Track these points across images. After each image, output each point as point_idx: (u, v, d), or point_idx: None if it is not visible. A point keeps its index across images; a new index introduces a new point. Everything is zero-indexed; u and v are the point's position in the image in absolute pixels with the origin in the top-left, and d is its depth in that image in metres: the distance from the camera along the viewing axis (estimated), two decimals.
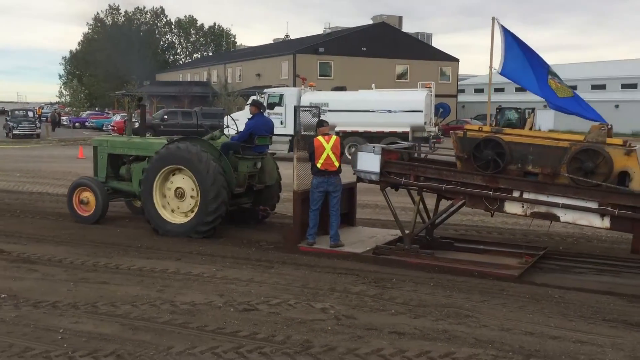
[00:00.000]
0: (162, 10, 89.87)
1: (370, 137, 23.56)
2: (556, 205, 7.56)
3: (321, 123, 9.39)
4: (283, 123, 23.88)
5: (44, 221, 11.01)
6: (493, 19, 9.28)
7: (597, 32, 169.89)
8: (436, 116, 24.80)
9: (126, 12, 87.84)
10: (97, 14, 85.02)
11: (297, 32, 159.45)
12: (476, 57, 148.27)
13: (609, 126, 7.80)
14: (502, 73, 8.80)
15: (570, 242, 9.90)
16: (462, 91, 66.63)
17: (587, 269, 8.21)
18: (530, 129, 24.37)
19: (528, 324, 5.96)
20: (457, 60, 57.72)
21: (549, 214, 7.67)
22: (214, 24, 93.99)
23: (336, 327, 5.78)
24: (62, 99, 77.17)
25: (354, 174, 9.02)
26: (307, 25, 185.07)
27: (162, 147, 10.10)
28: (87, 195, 10.90)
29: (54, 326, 5.68)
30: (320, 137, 8.93)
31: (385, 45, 51.24)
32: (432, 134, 23.95)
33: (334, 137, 9.06)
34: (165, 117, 34.56)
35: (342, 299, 6.62)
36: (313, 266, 8.06)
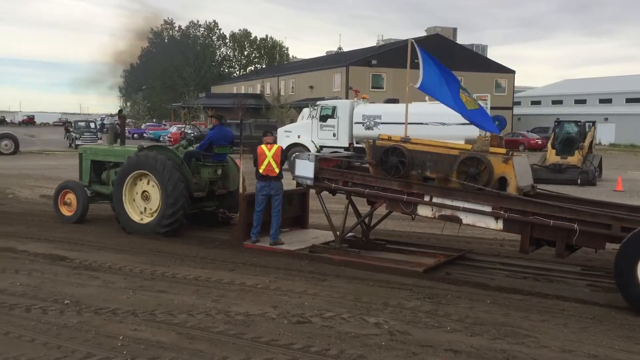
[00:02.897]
0: (216, 24, 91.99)
1: None
2: (458, 208, 8.19)
3: (265, 133, 10.17)
4: (335, 135, 23.93)
5: (104, 229, 11.36)
6: (410, 41, 10.21)
7: None
8: None
9: (179, 27, 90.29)
10: (153, 29, 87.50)
11: (350, 45, 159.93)
12: (533, 68, 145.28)
13: (501, 137, 8.57)
14: (420, 88, 9.44)
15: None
16: (518, 103, 65.31)
17: None
18: (591, 143, 23.58)
19: (591, 346, 5.75)
20: (512, 72, 56.67)
21: (453, 216, 8.31)
22: (266, 36, 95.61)
23: (390, 342, 5.71)
24: (124, 112, 79.80)
25: (293, 179, 9.86)
26: (360, 38, 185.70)
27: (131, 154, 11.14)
28: (70, 197, 12.03)
29: (114, 333, 5.83)
30: (263, 146, 9.77)
31: (439, 57, 50.39)
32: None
33: (276, 146, 9.87)
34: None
35: (395, 314, 6.55)
36: (366, 280, 8.01)
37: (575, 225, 7.36)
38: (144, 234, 10.62)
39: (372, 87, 48.16)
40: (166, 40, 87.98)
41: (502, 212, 7.86)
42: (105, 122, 65.46)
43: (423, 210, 8.56)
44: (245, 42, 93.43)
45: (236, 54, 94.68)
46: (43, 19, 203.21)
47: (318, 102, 26.13)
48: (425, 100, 25.66)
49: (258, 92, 66.79)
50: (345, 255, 9.08)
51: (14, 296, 6.99)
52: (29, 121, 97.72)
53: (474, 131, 22.78)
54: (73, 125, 44.28)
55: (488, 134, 9.69)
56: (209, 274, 8.15)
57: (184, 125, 43.48)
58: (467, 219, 8.19)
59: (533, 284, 8.06)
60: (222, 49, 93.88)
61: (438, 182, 8.44)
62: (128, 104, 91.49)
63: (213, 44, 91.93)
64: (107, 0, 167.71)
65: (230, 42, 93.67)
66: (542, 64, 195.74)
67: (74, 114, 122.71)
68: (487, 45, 70.53)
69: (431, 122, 23.31)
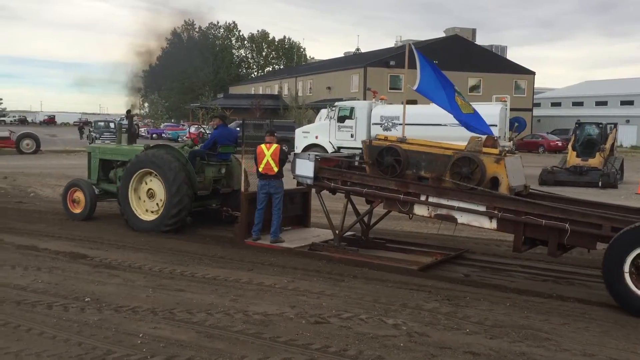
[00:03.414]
0: (235, 25, 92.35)
1: None
2: (453, 208, 8.33)
3: (267, 133, 10.46)
4: (353, 136, 23.90)
5: (124, 228, 11.44)
6: (408, 44, 10.53)
7: None
8: (511, 130, 24.13)
9: (200, 27, 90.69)
10: (174, 29, 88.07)
11: (368, 46, 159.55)
12: (553, 69, 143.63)
13: (495, 138, 8.82)
14: (417, 90, 9.68)
15: None
16: (538, 105, 64.67)
17: None
18: (613, 145, 23.25)
19: (612, 350, 5.67)
20: (532, 73, 56.12)
21: (449, 216, 8.46)
22: (284, 37, 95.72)
23: (409, 344, 5.69)
24: (142, 112, 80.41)
25: (294, 178, 10.05)
26: (379, 39, 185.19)
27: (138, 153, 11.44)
28: (79, 195, 12.33)
29: (134, 330, 5.88)
30: (263, 145, 10.02)
31: (458, 58, 50.50)
32: (507, 148, 23.25)
33: (275, 145, 10.02)
34: (238, 129, 35.39)
35: (414, 316, 6.52)
36: (384, 281, 7.99)
37: (567, 225, 7.46)
38: (148, 231, 10.87)
39: (390, 88, 47.96)
40: (185, 41, 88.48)
41: (495, 212, 8.00)
42: (123, 122, 66.01)
43: (419, 210, 8.72)
44: (263, 43, 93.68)
45: (254, 54, 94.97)
46: (65, 20, 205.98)
47: (336, 103, 26.12)
48: None
49: (276, 92, 66.94)
50: (343, 253, 9.26)
51: (35, 293, 7.08)
52: (50, 121, 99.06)
53: (493, 133, 22.69)
54: (93, 125, 44.78)
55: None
56: (227, 273, 8.19)
57: (200, 126, 43.65)
58: (462, 218, 8.33)
59: (553, 287, 7.99)
60: (240, 50, 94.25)
61: (432, 181, 8.60)
62: (146, 104, 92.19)
63: (232, 44, 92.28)
64: (128, 2, 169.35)
65: (248, 43, 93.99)
66: (562, 65, 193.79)
67: (93, 114, 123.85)
68: (506, 46, 70.13)
69: (450, 123, 23.07)
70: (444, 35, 59.44)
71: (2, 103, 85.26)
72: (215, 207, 12.14)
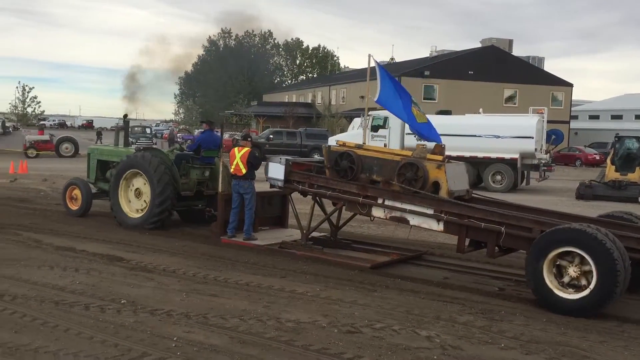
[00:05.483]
0: (271, 33, 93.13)
1: (477, 163, 22.93)
2: (405, 210, 8.81)
3: (243, 137, 11.40)
4: (387, 146, 23.82)
5: (159, 233, 11.57)
6: (369, 55, 11.01)
7: None
8: (548, 143, 23.76)
9: (236, 36, 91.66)
10: (210, 37, 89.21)
11: (402, 55, 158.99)
12: (592, 82, 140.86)
13: (443, 146, 9.17)
14: (377, 101, 10.13)
15: None
16: (576, 117, 63.52)
17: None
18: None
19: None
20: (570, 85, 55.18)
21: (402, 218, 8.96)
22: (319, 45, 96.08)
23: (442, 356, 5.63)
24: (177, 118, 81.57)
25: (267, 180, 10.55)
26: (414, 49, 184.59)
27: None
28: (77, 193, 13.16)
29: (169, 334, 5.95)
30: (235, 148, 10.75)
31: (493, 69, 49.98)
32: (543, 161, 22.93)
33: (246, 149, 10.67)
34: (271, 136, 35.68)
35: (448, 328, 6.44)
36: (417, 292, 7.93)
37: (502, 228, 7.91)
38: (134, 228, 11.52)
39: (424, 98, 47.69)
40: (221, 49, 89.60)
41: (442, 215, 8.47)
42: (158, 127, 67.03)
43: (377, 212, 9.22)
44: (297, 52, 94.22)
45: (288, 62, 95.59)
46: (105, 27, 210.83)
47: (370, 112, 26.06)
48: (479, 112, 25.29)
49: (309, 101, 67.20)
50: (307, 251, 9.87)
51: (73, 294, 7.23)
52: (88, 125, 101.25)
53: (529, 145, 22.38)
54: (130, 130, 45.63)
55: (429, 142, 10.15)
56: (260, 280, 8.23)
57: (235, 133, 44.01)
58: (413, 220, 8.84)
59: None
60: (275, 58, 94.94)
61: (383, 185, 9.16)
62: (181, 110, 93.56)
63: (267, 52, 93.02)
64: (166, 9, 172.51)
65: (283, 52, 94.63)
66: (601, 78, 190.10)
67: (130, 119, 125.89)
68: (544, 58, 68.87)
69: (484, 134, 22.96)
70: (480, 45, 58.87)
71: (40, 106, 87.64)
72: (199, 207, 12.67)
